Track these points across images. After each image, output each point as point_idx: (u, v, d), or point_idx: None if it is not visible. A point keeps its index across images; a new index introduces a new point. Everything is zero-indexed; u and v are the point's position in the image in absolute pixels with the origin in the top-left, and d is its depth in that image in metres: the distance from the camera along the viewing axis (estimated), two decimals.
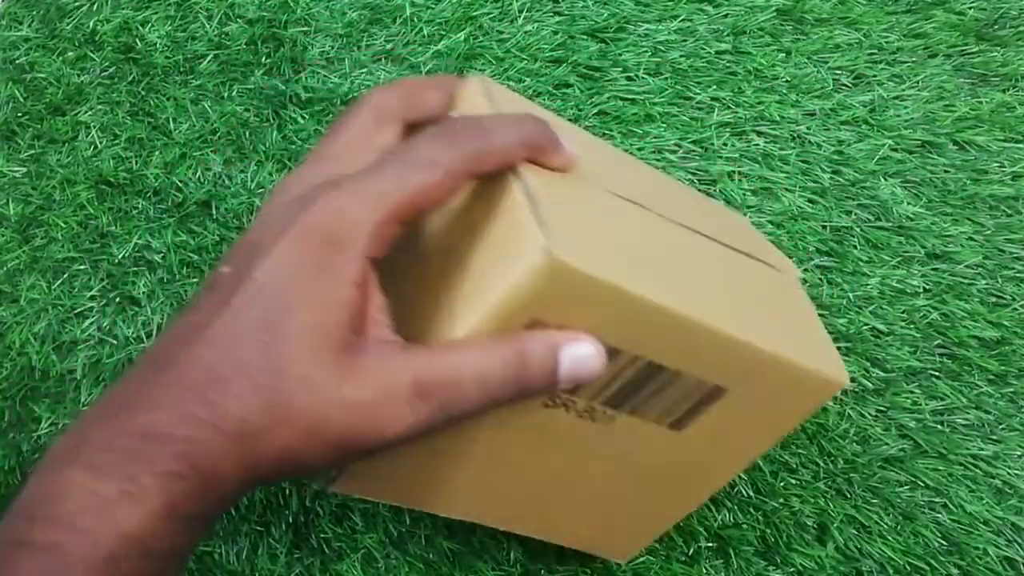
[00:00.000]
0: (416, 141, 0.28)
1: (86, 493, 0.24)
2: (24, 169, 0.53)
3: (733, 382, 0.31)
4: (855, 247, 0.51)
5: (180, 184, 0.52)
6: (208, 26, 0.56)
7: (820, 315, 0.49)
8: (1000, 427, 0.47)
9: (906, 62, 0.56)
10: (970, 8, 0.58)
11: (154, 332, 0.49)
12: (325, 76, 0.55)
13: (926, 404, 0.48)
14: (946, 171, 0.53)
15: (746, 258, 0.36)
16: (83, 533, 0.23)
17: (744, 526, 0.45)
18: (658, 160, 0.53)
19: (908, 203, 0.52)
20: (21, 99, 0.55)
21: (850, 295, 0.50)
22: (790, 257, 0.51)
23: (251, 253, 0.27)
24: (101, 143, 0.54)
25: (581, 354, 0.28)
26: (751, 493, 0.46)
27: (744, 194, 0.52)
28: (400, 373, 0.26)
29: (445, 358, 0.27)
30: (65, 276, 0.51)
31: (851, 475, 0.46)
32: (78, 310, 0.50)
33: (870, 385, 0.48)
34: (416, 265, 0.31)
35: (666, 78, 0.55)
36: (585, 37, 0.56)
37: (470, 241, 0.29)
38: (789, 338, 0.32)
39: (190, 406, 0.25)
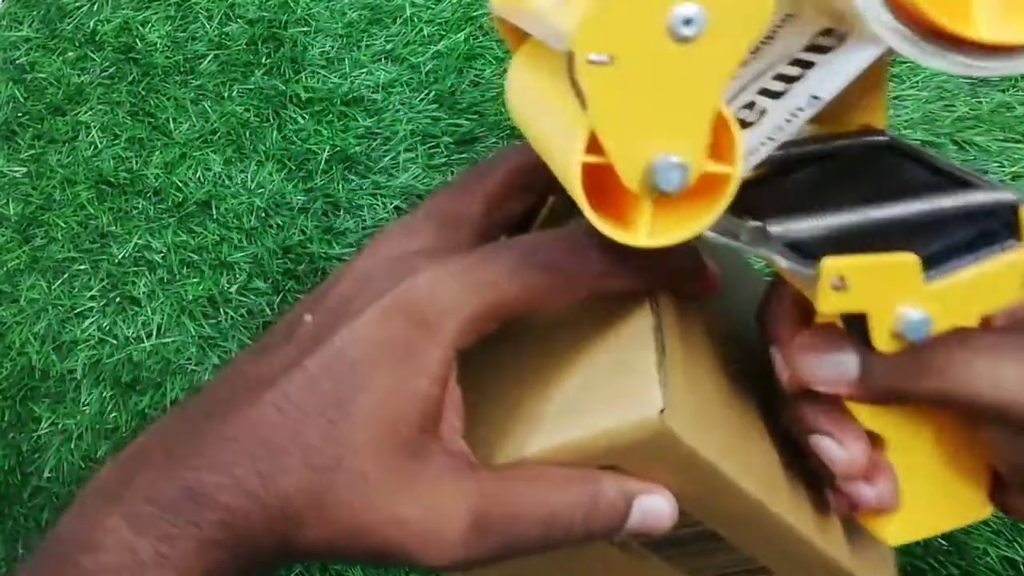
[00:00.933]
0: (541, 236, 0.26)
1: (123, 549, 0.23)
2: (24, 169, 0.53)
3: (782, 568, 0.29)
4: None
5: (180, 184, 0.52)
6: (208, 26, 0.56)
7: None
8: None
9: (906, 62, 0.56)
10: None
11: (154, 332, 0.49)
12: (325, 76, 0.55)
13: None
14: None
15: None
16: None
17: None
18: None
19: None
20: (21, 99, 0.55)
21: None
22: None
23: (338, 310, 0.25)
24: (101, 143, 0.54)
25: (655, 508, 0.25)
26: None
27: None
28: (459, 498, 0.24)
29: (510, 488, 0.24)
30: (65, 276, 0.51)
31: None
32: (78, 310, 0.50)
33: None
34: (504, 357, 0.28)
35: None
36: None
37: (576, 356, 0.26)
38: (854, 547, 0.30)
39: (241, 472, 0.24)
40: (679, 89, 0.19)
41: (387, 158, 0.53)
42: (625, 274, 0.25)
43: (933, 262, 0.22)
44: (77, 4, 0.57)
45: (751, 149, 0.22)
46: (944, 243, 0.22)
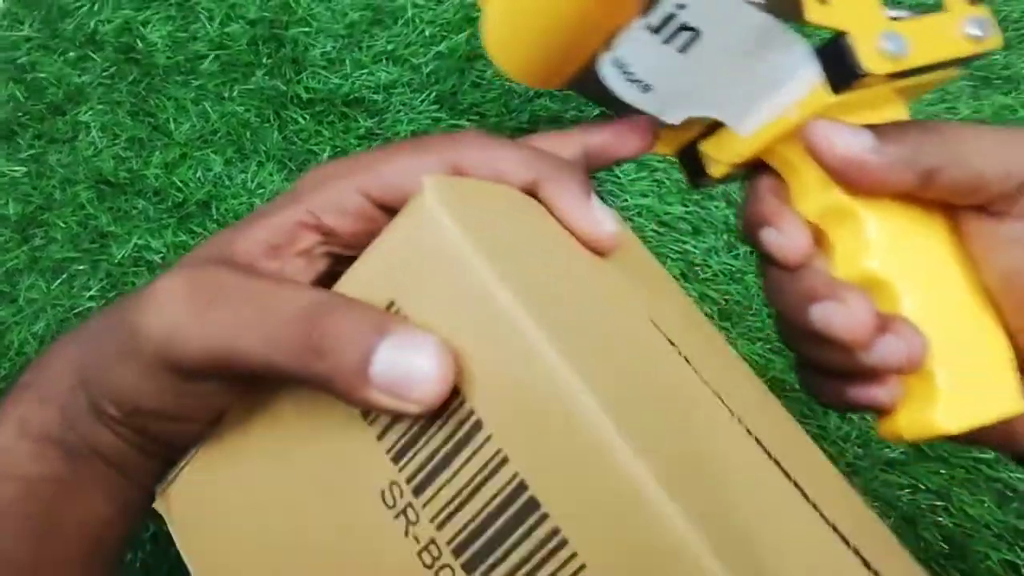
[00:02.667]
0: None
1: None
2: (24, 169, 0.53)
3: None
4: None
5: (180, 184, 0.52)
6: (209, 26, 0.56)
7: None
8: None
9: None
10: None
11: None
12: (326, 77, 0.54)
13: None
14: None
15: (839, 541, 0.22)
16: None
17: None
18: (660, 160, 0.53)
19: None
20: (22, 99, 0.55)
21: None
22: None
23: None
24: (101, 143, 0.53)
25: (412, 354, 0.19)
26: None
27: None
28: (203, 269, 0.22)
29: (252, 278, 0.22)
30: (64, 276, 0.51)
31: (852, 478, 0.46)
32: (77, 310, 0.50)
33: None
34: None
35: None
36: None
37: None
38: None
39: (71, 332, 0.26)
40: None
41: None
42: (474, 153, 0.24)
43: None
44: (78, 4, 0.57)
45: None
46: None
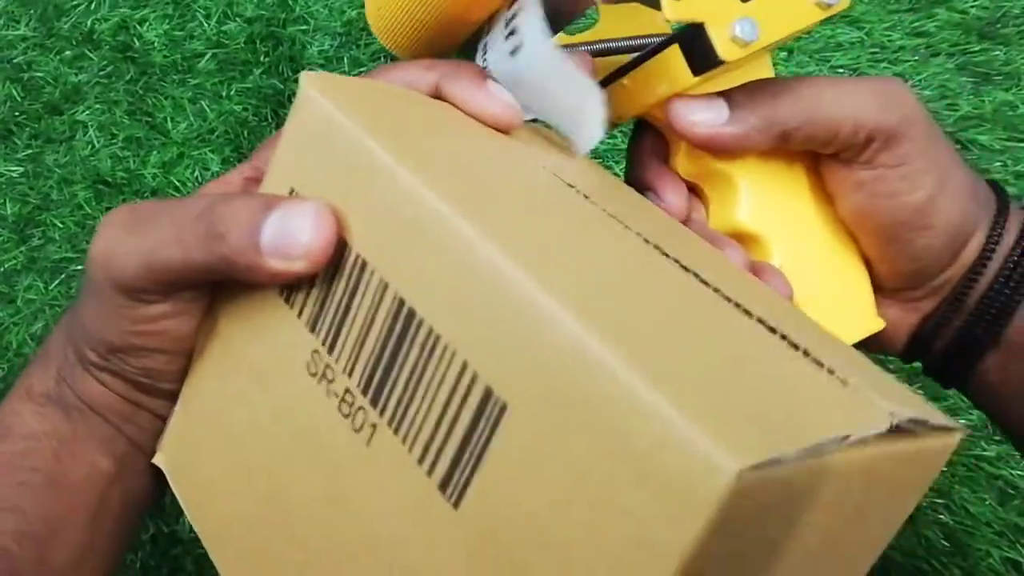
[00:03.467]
0: None
1: None
2: (21, 169, 0.53)
3: (521, 394, 0.17)
4: None
5: (178, 184, 0.52)
6: (206, 25, 0.56)
7: None
8: None
9: (908, 61, 0.56)
10: (972, 7, 0.57)
11: None
12: None
13: None
14: None
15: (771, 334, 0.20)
16: None
17: None
18: None
19: None
20: (18, 98, 0.55)
21: None
22: None
23: None
24: (99, 142, 0.53)
25: (296, 215, 0.21)
26: None
27: None
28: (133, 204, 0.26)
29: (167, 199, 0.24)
30: (63, 276, 0.50)
31: None
32: None
33: None
34: None
35: None
36: None
37: None
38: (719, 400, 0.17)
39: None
40: None
41: None
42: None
43: None
44: (74, 3, 0.57)
45: None
46: None
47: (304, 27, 0.55)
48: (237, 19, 0.56)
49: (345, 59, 0.55)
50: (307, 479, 0.23)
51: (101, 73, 0.55)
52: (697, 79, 0.27)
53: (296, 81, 0.54)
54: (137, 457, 0.27)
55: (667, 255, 0.22)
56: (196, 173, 0.52)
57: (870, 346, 0.30)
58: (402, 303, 0.20)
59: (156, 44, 0.55)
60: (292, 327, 0.23)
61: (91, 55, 0.55)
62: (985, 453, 0.46)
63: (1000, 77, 0.56)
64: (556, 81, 0.26)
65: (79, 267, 0.51)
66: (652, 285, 0.20)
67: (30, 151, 0.54)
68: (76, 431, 0.26)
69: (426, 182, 0.20)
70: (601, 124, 0.26)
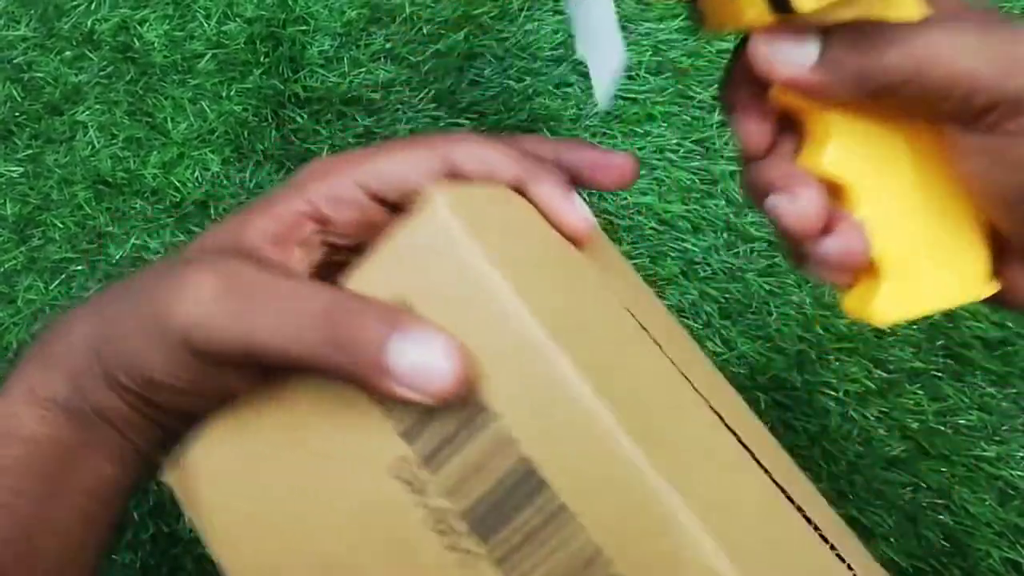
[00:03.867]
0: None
1: None
2: (21, 169, 0.53)
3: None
4: None
5: (178, 184, 0.52)
6: (206, 25, 0.56)
7: (822, 315, 0.49)
8: (1003, 428, 0.47)
9: None
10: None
11: None
12: (324, 75, 0.54)
13: (929, 405, 0.47)
14: None
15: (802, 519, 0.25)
16: None
17: None
18: (659, 159, 0.53)
19: None
20: (19, 99, 0.55)
21: None
22: None
23: None
24: (99, 143, 0.53)
25: (428, 349, 0.21)
26: None
27: None
28: (217, 263, 0.23)
29: (268, 273, 0.23)
30: (63, 277, 0.50)
31: (854, 477, 0.46)
32: None
33: (872, 386, 0.48)
34: None
35: (667, 77, 0.55)
36: None
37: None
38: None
39: (82, 306, 0.26)
40: None
41: None
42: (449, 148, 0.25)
43: None
44: (74, 3, 0.57)
45: None
46: None
47: (304, 27, 0.55)
48: (237, 19, 0.56)
49: (345, 59, 0.55)
50: (378, 566, 0.23)
51: (101, 73, 0.55)
52: (775, 17, 0.23)
53: (296, 81, 0.54)
54: (138, 459, 0.27)
55: (733, 432, 0.25)
56: (196, 173, 0.52)
57: (1003, 303, 0.28)
58: (527, 463, 0.21)
59: (156, 44, 0.55)
60: (380, 428, 0.23)
61: (91, 55, 0.55)
62: (985, 453, 0.46)
63: None
64: (597, 21, 0.25)
65: (79, 267, 0.51)
66: (732, 473, 0.23)
67: (30, 151, 0.54)
68: (85, 439, 0.26)
69: (553, 336, 0.20)
70: (610, 84, 0.25)
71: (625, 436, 0.20)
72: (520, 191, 0.26)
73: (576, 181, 0.28)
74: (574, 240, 0.26)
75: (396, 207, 0.26)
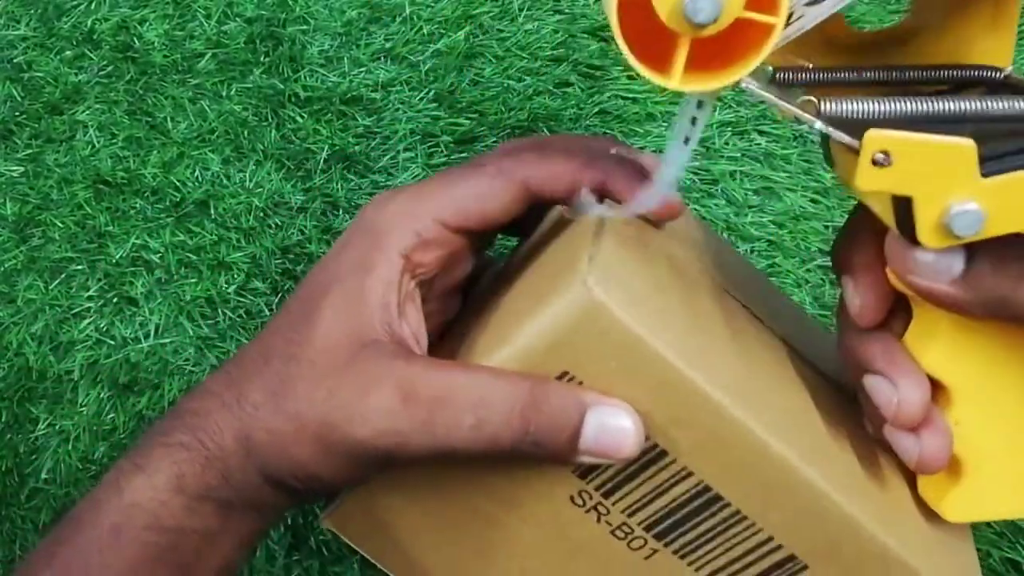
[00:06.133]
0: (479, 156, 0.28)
1: (111, 471, 0.26)
2: (21, 168, 0.53)
3: (811, 554, 0.24)
4: None
5: (178, 184, 0.52)
6: (206, 25, 0.56)
7: (821, 315, 0.49)
8: None
9: None
10: None
11: (152, 333, 0.49)
12: (324, 75, 0.54)
13: None
14: None
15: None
16: (95, 503, 0.25)
17: None
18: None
19: None
20: (18, 98, 0.55)
21: None
22: (792, 257, 0.50)
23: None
24: (99, 142, 0.53)
25: (614, 423, 0.23)
26: None
27: (746, 194, 0.52)
28: (388, 375, 0.24)
29: (445, 372, 0.24)
30: (62, 276, 0.50)
31: None
32: (75, 310, 0.50)
33: None
34: (490, 300, 0.29)
35: None
36: (586, 36, 0.56)
37: (532, 277, 0.26)
38: (912, 533, 0.26)
39: (212, 384, 0.27)
40: None
41: (386, 157, 0.52)
42: (552, 168, 0.26)
43: (994, 160, 0.20)
44: (74, 3, 0.57)
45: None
46: (1013, 144, 0.20)
47: (304, 27, 0.55)
48: (237, 19, 0.56)
49: (345, 59, 0.55)
50: (574, 566, 0.27)
51: (101, 73, 0.55)
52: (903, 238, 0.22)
53: (296, 81, 0.54)
54: (262, 536, 0.29)
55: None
56: (196, 173, 0.52)
57: None
58: (707, 488, 0.24)
59: (156, 44, 0.55)
60: (556, 471, 0.25)
61: (91, 55, 0.55)
62: None
63: None
64: (680, 118, 0.25)
65: (79, 267, 0.51)
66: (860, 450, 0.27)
67: (30, 151, 0.53)
68: (225, 526, 0.26)
69: (719, 390, 0.23)
70: (659, 190, 0.25)
71: (803, 466, 0.23)
72: (600, 192, 0.27)
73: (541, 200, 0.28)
74: (667, 217, 0.29)
75: (474, 232, 0.27)
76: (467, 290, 0.32)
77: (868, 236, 0.25)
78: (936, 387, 0.25)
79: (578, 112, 0.53)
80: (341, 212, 0.51)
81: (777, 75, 0.22)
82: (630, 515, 0.25)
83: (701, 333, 0.25)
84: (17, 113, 0.54)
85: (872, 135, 0.20)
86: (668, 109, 0.54)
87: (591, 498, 0.25)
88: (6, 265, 0.51)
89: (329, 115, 0.53)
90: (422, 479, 0.26)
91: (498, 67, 0.54)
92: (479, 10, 0.56)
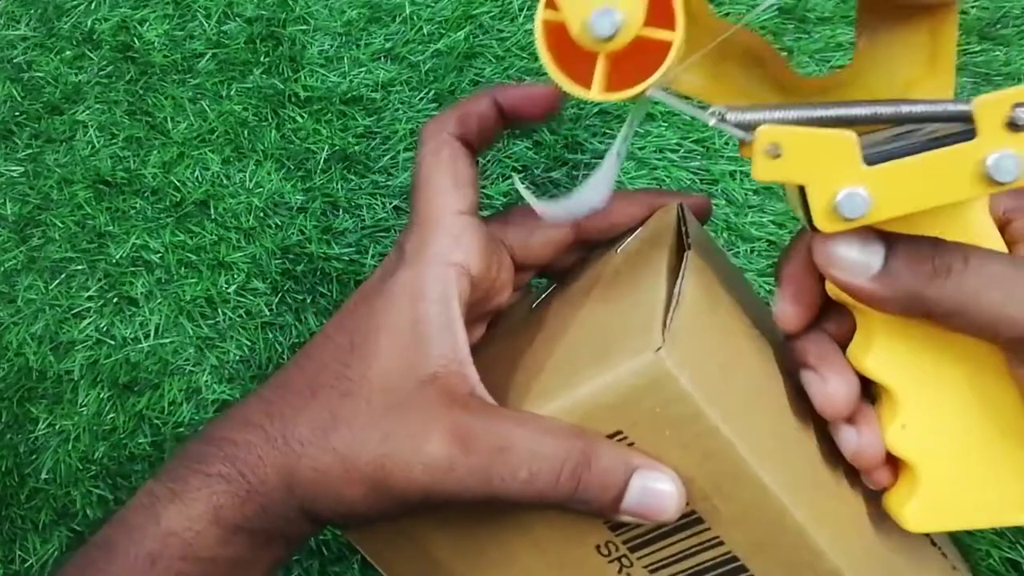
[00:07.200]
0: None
1: (144, 493, 0.26)
2: (21, 168, 0.53)
3: None
4: None
5: (178, 184, 0.52)
6: (206, 25, 0.56)
7: None
8: None
9: None
10: (972, 7, 0.57)
11: (152, 333, 0.49)
12: (324, 75, 0.54)
13: None
14: None
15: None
16: (128, 529, 0.25)
17: None
18: (659, 159, 0.53)
19: None
20: (19, 98, 0.55)
21: None
22: None
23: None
24: (99, 142, 0.53)
25: (657, 488, 0.23)
26: None
27: (746, 194, 0.52)
28: (443, 421, 0.24)
29: (503, 422, 0.24)
30: (63, 276, 0.50)
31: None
32: (76, 310, 0.50)
33: None
34: (546, 322, 0.29)
35: None
36: None
37: (593, 323, 0.26)
38: None
39: (252, 414, 0.26)
40: None
41: (386, 157, 0.52)
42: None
43: (875, 149, 0.22)
44: (75, 3, 0.57)
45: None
46: (906, 142, 0.22)
47: (304, 27, 0.55)
48: (237, 19, 0.56)
49: (345, 59, 0.55)
50: None
51: (101, 73, 0.55)
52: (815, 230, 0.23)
53: (296, 81, 0.54)
54: (289, 559, 0.28)
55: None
56: (196, 173, 0.52)
57: None
58: (734, 558, 0.25)
59: (156, 44, 0.55)
60: (590, 519, 0.26)
61: (91, 55, 0.55)
62: None
63: (1000, 78, 0.56)
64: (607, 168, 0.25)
65: (79, 267, 0.51)
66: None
67: (30, 151, 0.54)
68: (256, 555, 0.26)
69: (766, 472, 0.24)
70: (578, 204, 0.24)
71: (833, 555, 0.24)
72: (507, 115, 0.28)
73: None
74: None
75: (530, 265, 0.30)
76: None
77: (799, 251, 0.26)
78: (882, 391, 0.26)
79: (578, 112, 0.54)
80: (341, 212, 0.51)
81: (727, 115, 0.22)
82: (652, 571, 0.26)
83: (751, 405, 0.25)
84: (17, 113, 0.54)
85: (763, 130, 0.21)
86: (667, 109, 0.54)
87: (617, 549, 0.26)
88: (6, 265, 0.51)
89: (329, 115, 0.53)
90: (457, 510, 0.26)
91: (498, 67, 0.54)
92: (479, 10, 0.56)
